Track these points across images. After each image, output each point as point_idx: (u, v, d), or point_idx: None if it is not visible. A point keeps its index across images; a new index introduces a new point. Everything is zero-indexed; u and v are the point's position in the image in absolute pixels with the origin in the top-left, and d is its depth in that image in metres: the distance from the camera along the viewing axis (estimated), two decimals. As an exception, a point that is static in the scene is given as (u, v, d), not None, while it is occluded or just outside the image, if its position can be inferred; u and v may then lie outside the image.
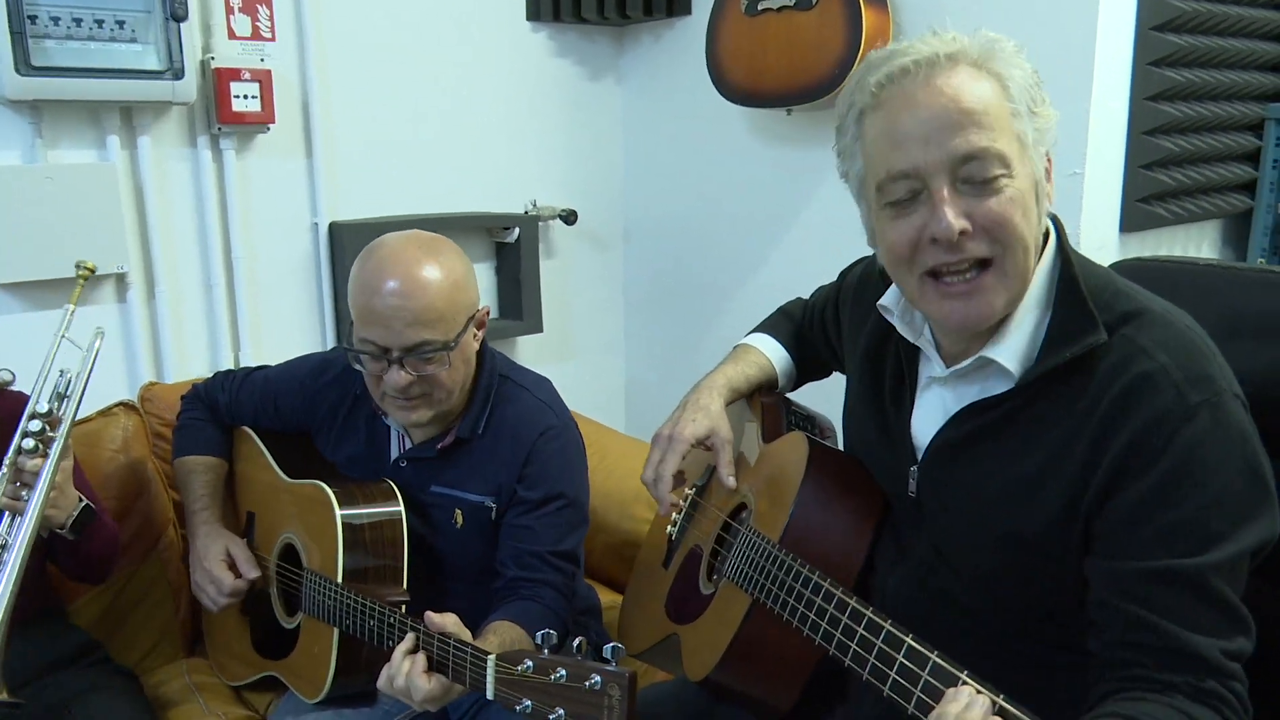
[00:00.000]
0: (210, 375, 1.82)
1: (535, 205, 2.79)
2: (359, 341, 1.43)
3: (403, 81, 2.53)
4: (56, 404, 1.44)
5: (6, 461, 1.37)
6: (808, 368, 1.49)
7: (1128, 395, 0.98)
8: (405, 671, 1.25)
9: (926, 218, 1.02)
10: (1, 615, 1.27)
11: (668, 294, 2.98)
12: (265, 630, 1.66)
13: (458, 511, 1.56)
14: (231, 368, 1.90)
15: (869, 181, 1.07)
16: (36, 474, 1.37)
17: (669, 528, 1.52)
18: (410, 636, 1.28)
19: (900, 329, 1.16)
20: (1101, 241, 2.11)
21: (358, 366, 1.46)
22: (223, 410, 1.75)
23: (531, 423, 1.55)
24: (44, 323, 2.06)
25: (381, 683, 1.28)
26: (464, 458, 1.55)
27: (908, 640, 0.98)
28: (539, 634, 1.16)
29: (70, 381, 1.47)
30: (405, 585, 1.52)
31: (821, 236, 2.53)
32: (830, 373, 1.49)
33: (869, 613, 1.02)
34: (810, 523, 1.18)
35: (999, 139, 1.00)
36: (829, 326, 1.42)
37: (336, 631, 1.47)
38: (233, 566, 1.61)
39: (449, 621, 1.27)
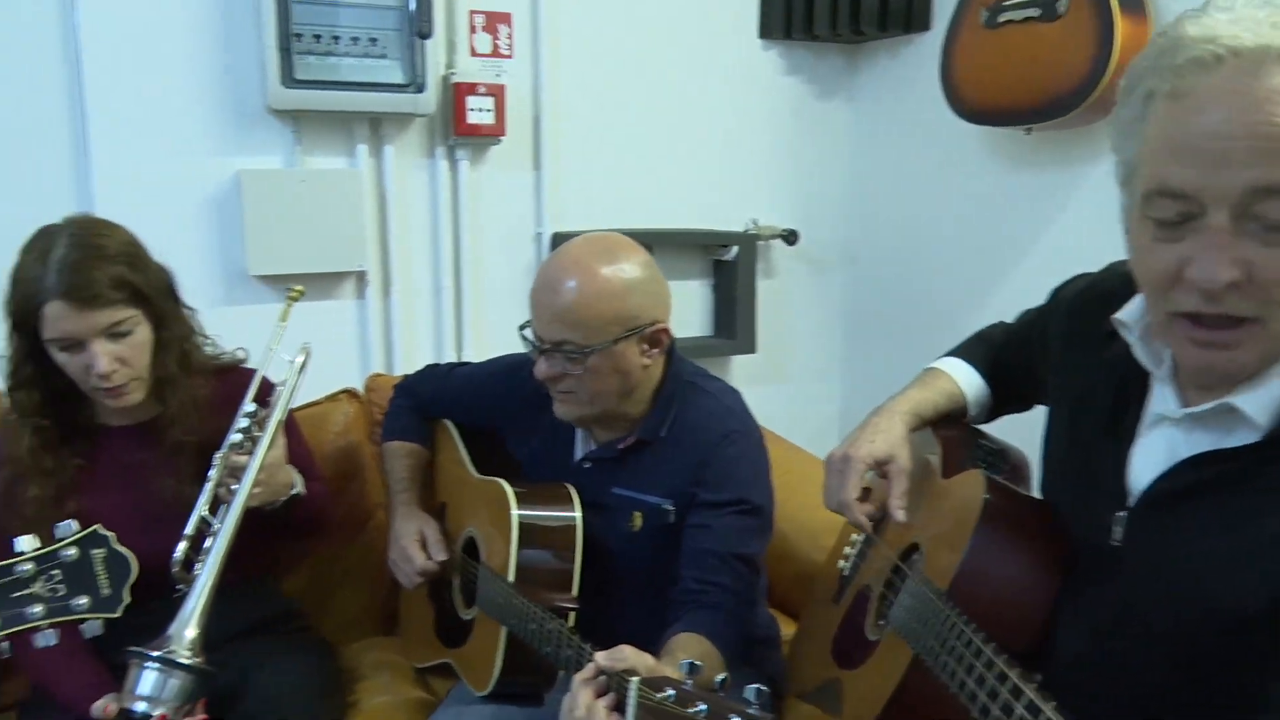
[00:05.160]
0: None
1: (756, 224, 2.76)
2: (530, 327, 1.48)
3: (631, 98, 2.58)
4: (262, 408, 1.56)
5: (219, 455, 1.50)
6: (1004, 398, 1.36)
7: None
8: (586, 704, 1.19)
9: (1193, 251, 0.85)
10: (205, 593, 1.37)
11: (891, 321, 2.85)
12: (446, 618, 1.72)
13: (636, 514, 1.55)
14: (437, 362, 2.00)
15: (1137, 178, 0.91)
16: (243, 468, 1.48)
17: (840, 562, 1.43)
18: (590, 666, 1.25)
19: (1137, 352, 1.01)
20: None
21: (529, 352, 1.50)
22: (427, 402, 1.84)
23: (713, 427, 1.52)
24: (300, 311, 2.21)
25: (563, 713, 1.25)
26: (645, 459, 1.54)
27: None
28: (684, 664, 1.12)
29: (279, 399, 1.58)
30: (576, 592, 1.52)
31: (1060, 266, 2.29)
32: (1031, 405, 1.35)
33: (1029, 691, 0.90)
34: (982, 573, 1.06)
35: None
36: (1034, 350, 1.27)
37: (504, 630, 1.50)
38: (425, 548, 1.68)
39: (626, 653, 1.19)
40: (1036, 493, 1.20)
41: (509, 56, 2.41)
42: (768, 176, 2.78)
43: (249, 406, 1.55)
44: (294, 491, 1.60)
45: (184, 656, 1.29)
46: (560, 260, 1.46)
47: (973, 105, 2.28)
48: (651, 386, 1.55)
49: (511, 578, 1.50)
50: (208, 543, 1.43)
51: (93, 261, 1.41)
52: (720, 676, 1.08)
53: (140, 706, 1.27)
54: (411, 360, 2.41)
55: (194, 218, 2.19)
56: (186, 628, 1.32)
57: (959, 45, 2.29)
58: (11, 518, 1.43)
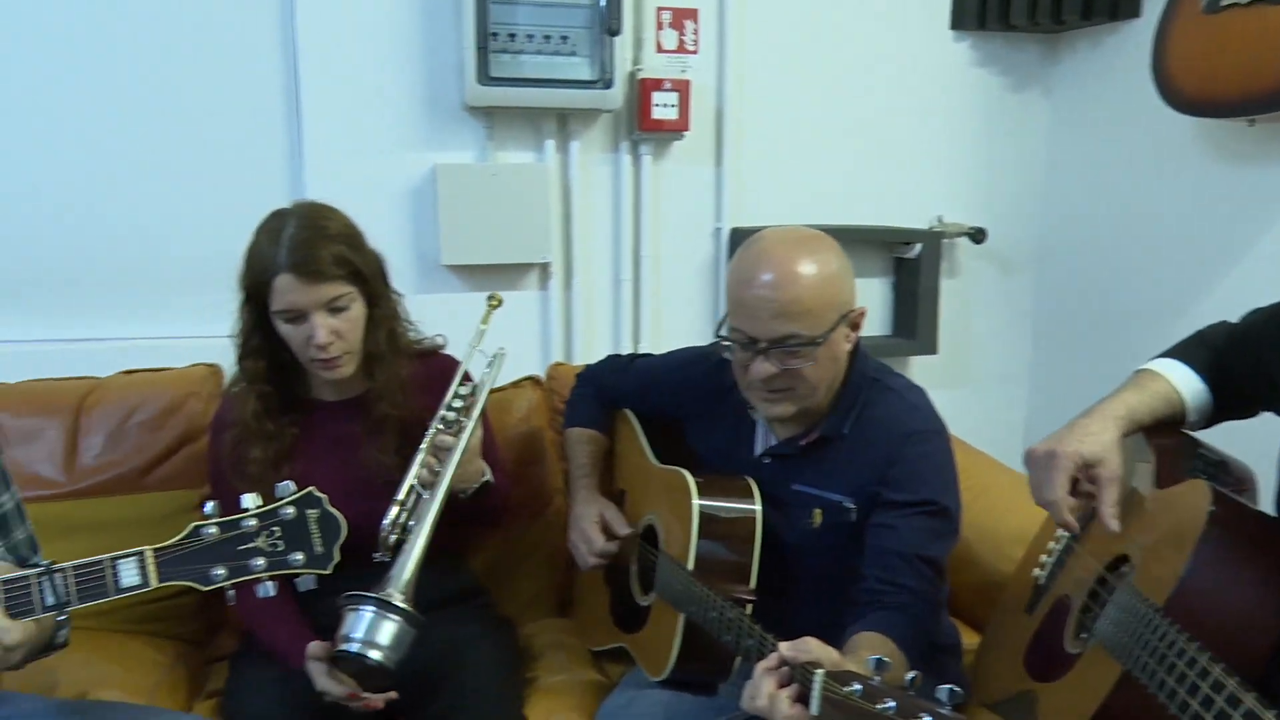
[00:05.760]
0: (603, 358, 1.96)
1: (941, 221, 2.67)
2: (730, 331, 1.46)
3: (816, 91, 2.55)
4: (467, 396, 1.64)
5: (430, 434, 1.58)
6: (1227, 404, 1.26)
7: None
8: (768, 693, 1.18)
9: None
10: (419, 550, 1.45)
11: (1084, 325, 2.70)
12: (622, 603, 1.75)
13: (816, 511, 1.53)
14: (618, 353, 2.03)
15: None
16: (449, 450, 1.56)
17: (1036, 571, 1.36)
18: (774, 656, 1.24)
19: None
20: None
21: (727, 355, 1.49)
22: (608, 391, 1.87)
23: (899, 425, 1.49)
24: (480, 301, 2.35)
25: (744, 700, 1.25)
26: (827, 456, 1.52)
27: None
28: (871, 659, 1.09)
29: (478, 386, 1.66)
30: (753, 584, 1.51)
31: (1281, 269, 2.15)
32: (1256, 412, 1.25)
33: (1269, 718, 0.83)
34: (1205, 589, 0.99)
35: None
36: (1265, 351, 1.18)
37: (682, 617, 1.51)
38: (605, 530, 1.71)
39: (811, 645, 1.18)
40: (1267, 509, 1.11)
41: (694, 52, 2.42)
42: (955, 172, 2.69)
43: (462, 389, 1.63)
44: (484, 479, 1.66)
45: (398, 600, 1.36)
46: (766, 256, 1.43)
47: (1188, 96, 2.13)
48: (838, 381, 1.52)
49: (691, 566, 1.51)
50: (404, 518, 1.51)
51: (318, 240, 1.51)
52: (910, 674, 1.05)
53: (354, 647, 1.35)
54: (590, 350, 2.46)
55: (393, 209, 2.31)
56: (402, 576, 1.39)
57: (1174, 32, 2.14)
58: (236, 476, 1.56)
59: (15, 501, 1.38)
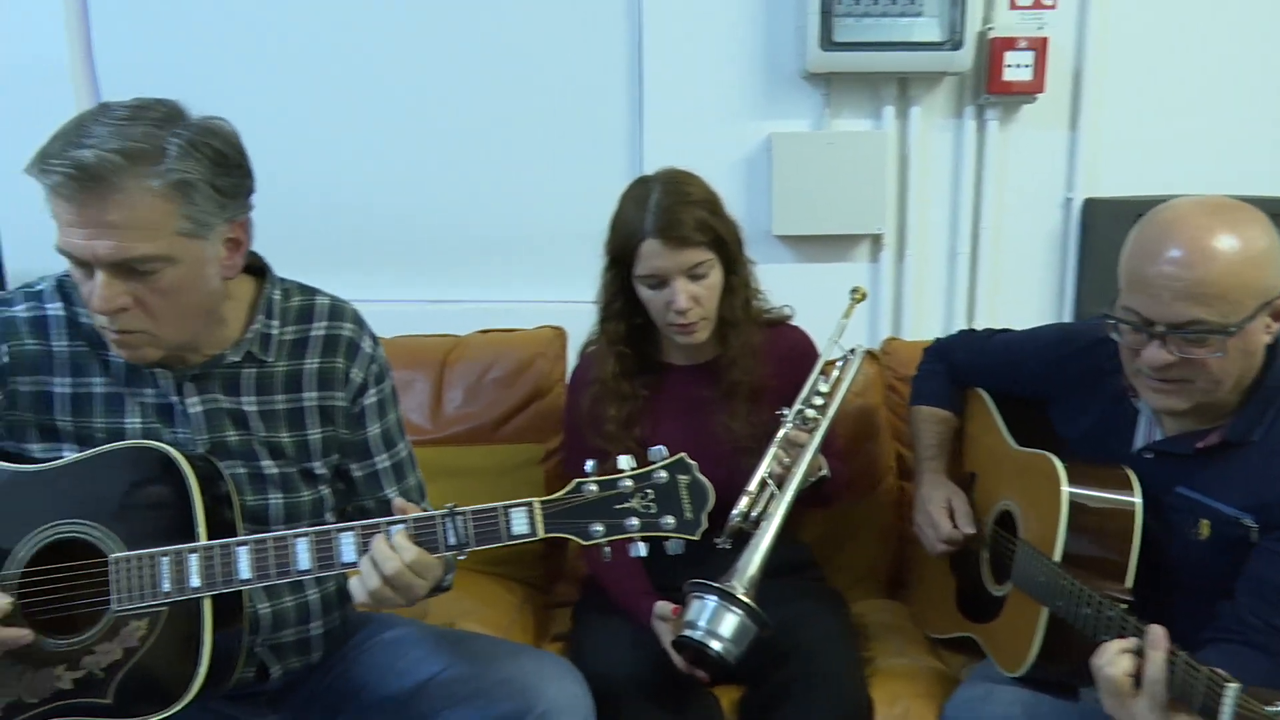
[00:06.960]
0: (953, 332, 1.86)
1: (1348, 190, 2.32)
2: (1121, 309, 1.32)
3: (1192, 44, 2.29)
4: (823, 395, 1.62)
5: (783, 430, 1.56)
6: None
7: None
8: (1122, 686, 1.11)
9: None
10: (766, 546, 1.44)
11: None
12: (971, 592, 1.66)
13: (1203, 522, 1.36)
14: (973, 328, 1.92)
15: None
16: (802, 446, 1.54)
17: None
18: (1131, 640, 1.14)
19: None
20: None
21: (1114, 336, 1.35)
22: (960, 368, 1.77)
23: None
24: (814, 271, 2.33)
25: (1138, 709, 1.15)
26: (1226, 463, 1.35)
27: None
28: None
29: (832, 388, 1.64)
30: (1129, 584, 1.38)
31: None
32: None
33: None
34: None
35: None
36: None
37: (1045, 611, 1.40)
38: (952, 517, 1.64)
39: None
40: None
41: (1052, 7, 2.24)
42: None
43: (822, 385, 1.61)
44: (821, 474, 1.62)
45: (741, 593, 1.37)
46: (1178, 227, 1.27)
47: None
48: (1249, 377, 1.34)
49: (1057, 558, 1.40)
50: (754, 510, 1.50)
51: (682, 206, 1.55)
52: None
53: (697, 634, 1.37)
54: (921, 326, 2.37)
55: (727, 178, 2.29)
56: (748, 571, 1.40)
57: None
58: (592, 433, 1.64)
59: (409, 450, 1.50)
